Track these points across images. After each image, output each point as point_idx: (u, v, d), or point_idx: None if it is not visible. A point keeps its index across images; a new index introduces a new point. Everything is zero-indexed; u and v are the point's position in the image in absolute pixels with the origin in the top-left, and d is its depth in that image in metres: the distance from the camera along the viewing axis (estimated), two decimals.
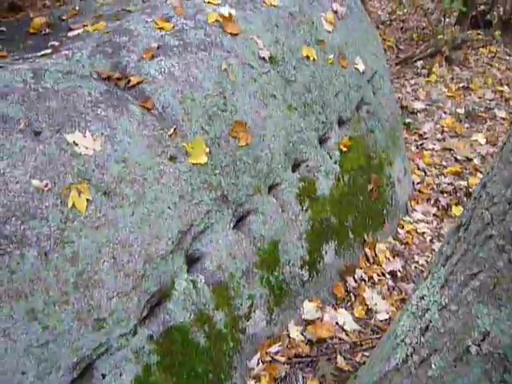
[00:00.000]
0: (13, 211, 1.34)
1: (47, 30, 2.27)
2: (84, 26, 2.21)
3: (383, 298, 2.45)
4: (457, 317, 0.96)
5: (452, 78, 5.10)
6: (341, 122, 2.68)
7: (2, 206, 1.33)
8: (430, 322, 1.05)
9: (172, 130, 1.79)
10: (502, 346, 0.87)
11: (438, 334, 1.04)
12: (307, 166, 2.39)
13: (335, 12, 2.82)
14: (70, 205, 1.45)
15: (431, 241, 2.99)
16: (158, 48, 1.97)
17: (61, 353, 1.35)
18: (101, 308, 1.46)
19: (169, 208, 1.70)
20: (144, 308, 1.59)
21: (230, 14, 2.27)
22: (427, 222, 3.16)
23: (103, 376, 1.46)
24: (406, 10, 6.87)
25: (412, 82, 5.07)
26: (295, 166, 2.35)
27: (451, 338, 0.99)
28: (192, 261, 1.82)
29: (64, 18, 2.41)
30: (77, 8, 2.49)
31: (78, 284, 1.42)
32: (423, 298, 1.10)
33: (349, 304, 2.42)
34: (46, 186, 1.42)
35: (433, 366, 1.04)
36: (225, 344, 1.84)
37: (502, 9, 6.21)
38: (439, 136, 4.20)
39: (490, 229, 0.84)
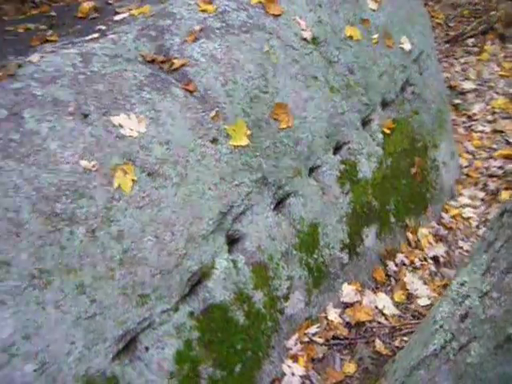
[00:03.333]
0: (63, 190, 1.41)
1: (94, 15, 2.33)
2: (129, 9, 2.25)
3: (425, 284, 2.41)
4: (498, 304, 0.94)
5: (505, 57, 4.83)
6: (384, 104, 2.63)
7: (53, 186, 1.40)
8: (470, 308, 1.04)
9: (214, 113, 1.81)
10: None
11: (478, 321, 1.02)
12: (349, 148, 2.36)
13: None
14: (115, 185, 1.50)
15: (477, 226, 2.90)
16: (200, 30, 1.99)
17: (107, 325, 1.42)
18: (144, 284, 1.52)
19: (210, 189, 1.73)
20: (186, 286, 1.64)
21: None
22: (474, 207, 3.07)
23: (146, 349, 1.53)
24: None
25: (462, 60, 4.86)
26: (337, 149, 2.33)
27: (492, 325, 0.98)
28: (232, 241, 1.85)
29: (110, 1, 2.46)
30: None
31: (123, 261, 1.48)
32: (464, 284, 1.09)
33: (389, 288, 2.40)
34: (94, 166, 1.48)
35: (472, 352, 1.03)
36: (263, 323, 1.87)
37: None
38: (490, 117, 4.02)
39: None
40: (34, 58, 1.75)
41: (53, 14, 2.51)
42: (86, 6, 2.40)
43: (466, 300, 1.05)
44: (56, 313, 1.33)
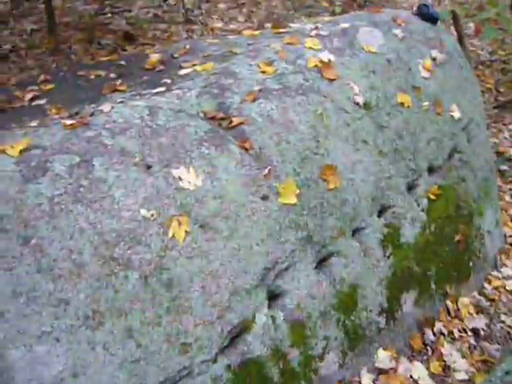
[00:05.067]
0: (122, 236, 1.50)
1: (161, 67, 2.50)
2: (193, 65, 2.40)
3: (463, 357, 2.34)
4: None
5: None
6: (431, 170, 2.65)
7: (114, 231, 1.49)
8: None
9: (267, 171, 1.89)
10: None
11: None
12: (393, 212, 2.38)
13: (433, 59, 2.81)
14: (170, 234, 1.59)
15: None
16: (259, 91, 2.10)
17: (150, 371, 1.47)
18: (188, 333, 1.57)
19: (257, 244, 1.79)
20: (226, 338, 1.67)
21: (329, 60, 2.36)
22: None
23: None
24: (507, 51, 6.59)
25: (511, 127, 4.84)
26: (381, 212, 2.36)
27: None
28: (273, 297, 1.88)
29: (175, 56, 2.63)
30: (187, 47, 2.72)
31: (171, 308, 1.54)
32: (509, 373, 1.09)
33: (425, 357, 2.34)
34: (152, 215, 1.57)
35: None
36: (297, 382, 1.87)
37: None
38: None
39: None
40: (106, 107, 1.90)
41: (122, 63, 2.70)
42: (154, 58, 2.59)
43: None
44: (104, 354, 1.39)
